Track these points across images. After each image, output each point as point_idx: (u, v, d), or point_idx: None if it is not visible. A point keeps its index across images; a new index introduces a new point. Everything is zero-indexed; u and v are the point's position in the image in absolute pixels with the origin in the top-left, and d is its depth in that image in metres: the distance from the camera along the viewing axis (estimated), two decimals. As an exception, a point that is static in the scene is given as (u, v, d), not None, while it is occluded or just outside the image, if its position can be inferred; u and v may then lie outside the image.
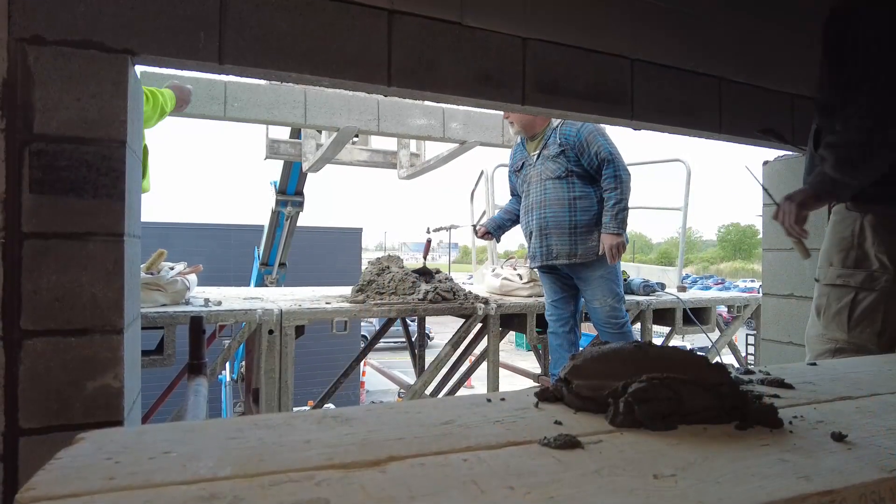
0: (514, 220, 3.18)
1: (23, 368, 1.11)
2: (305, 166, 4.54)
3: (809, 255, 1.67)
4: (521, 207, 3.02)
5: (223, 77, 2.26)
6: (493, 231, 3.23)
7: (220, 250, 12.27)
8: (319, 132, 4.29)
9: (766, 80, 2.06)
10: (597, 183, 2.79)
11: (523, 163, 2.99)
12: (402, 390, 4.20)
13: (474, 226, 3.41)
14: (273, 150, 4.66)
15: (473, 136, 4.09)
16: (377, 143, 4.91)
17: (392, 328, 3.86)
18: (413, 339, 3.92)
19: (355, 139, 4.48)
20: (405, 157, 4.85)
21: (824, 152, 1.48)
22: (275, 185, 5.30)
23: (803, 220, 1.55)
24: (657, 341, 1.31)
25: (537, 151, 2.89)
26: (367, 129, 3.81)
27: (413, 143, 4.84)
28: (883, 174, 1.45)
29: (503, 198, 3.46)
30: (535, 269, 3.07)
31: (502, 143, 4.21)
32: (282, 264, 6.00)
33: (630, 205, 2.75)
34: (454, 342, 2.94)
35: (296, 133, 4.64)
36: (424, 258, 3.39)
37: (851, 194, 1.51)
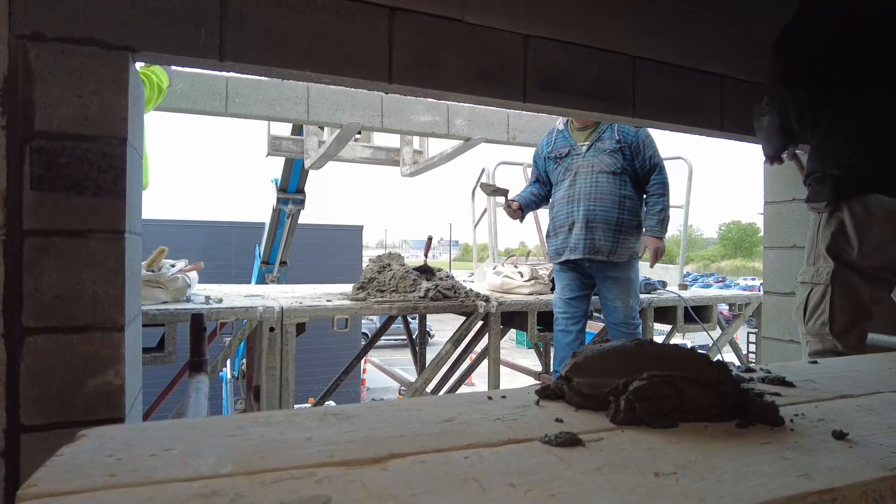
0: (538, 204, 3.15)
1: (24, 365, 1.11)
2: (307, 163, 4.52)
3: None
4: (559, 196, 2.94)
5: (225, 73, 2.26)
6: (524, 209, 3.13)
7: (221, 248, 12.27)
8: (322, 129, 4.27)
9: (768, 77, 2.05)
10: (640, 188, 2.86)
11: (569, 150, 2.92)
12: (402, 388, 4.21)
13: (506, 197, 3.17)
14: (275, 146, 4.64)
15: (478, 133, 4.06)
16: (380, 139, 4.89)
17: (393, 326, 3.86)
18: (414, 337, 3.92)
19: (358, 136, 4.45)
20: (408, 154, 4.82)
21: None
22: (276, 183, 5.27)
23: (775, 160, 1.85)
24: (658, 339, 1.32)
25: (588, 142, 2.86)
26: (371, 125, 3.79)
27: (416, 139, 4.81)
28: (825, 178, 1.61)
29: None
30: (553, 265, 3.02)
31: (507, 139, 4.18)
32: (283, 262, 5.99)
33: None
34: (455, 340, 2.94)
35: (298, 130, 4.62)
36: (425, 256, 3.39)
37: (770, 153, 1.79)
